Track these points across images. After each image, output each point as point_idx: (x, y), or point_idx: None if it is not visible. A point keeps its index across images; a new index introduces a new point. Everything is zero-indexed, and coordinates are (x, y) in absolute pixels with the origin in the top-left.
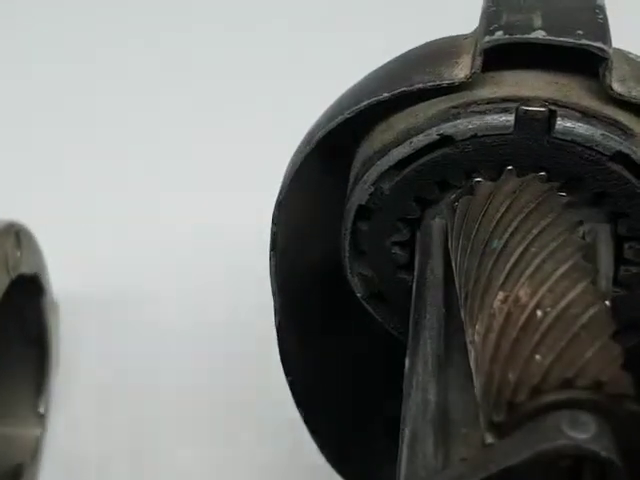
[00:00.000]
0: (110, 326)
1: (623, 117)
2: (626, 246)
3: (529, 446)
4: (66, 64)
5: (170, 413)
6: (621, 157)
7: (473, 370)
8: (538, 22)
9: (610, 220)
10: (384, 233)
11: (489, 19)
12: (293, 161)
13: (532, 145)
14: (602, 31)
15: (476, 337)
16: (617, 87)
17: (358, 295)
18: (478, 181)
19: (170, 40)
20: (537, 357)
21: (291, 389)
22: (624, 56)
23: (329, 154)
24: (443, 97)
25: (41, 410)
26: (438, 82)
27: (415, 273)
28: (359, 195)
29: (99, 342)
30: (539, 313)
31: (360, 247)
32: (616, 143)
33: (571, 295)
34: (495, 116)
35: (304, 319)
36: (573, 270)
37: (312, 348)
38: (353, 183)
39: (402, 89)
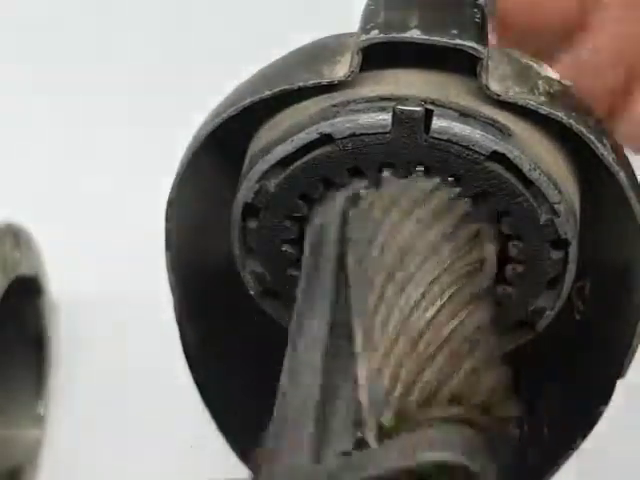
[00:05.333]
0: (110, 327)
1: (501, 117)
2: (510, 245)
3: (405, 456)
4: None
5: (171, 414)
6: (499, 157)
7: (361, 367)
8: (414, 21)
9: (494, 219)
10: (273, 231)
11: (367, 17)
12: (182, 158)
13: (410, 144)
14: (478, 30)
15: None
16: (494, 86)
17: (251, 292)
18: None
19: None
20: (428, 372)
21: (197, 385)
22: (507, 55)
23: (222, 152)
24: (326, 95)
25: (40, 411)
26: (318, 80)
27: (302, 270)
28: (245, 193)
29: (99, 343)
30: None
31: (251, 245)
32: (493, 143)
33: (461, 316)
34: (372, 115)
35: (205, 315)
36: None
37: (216, 344)
38: (240, 181)
39: (283, 87)
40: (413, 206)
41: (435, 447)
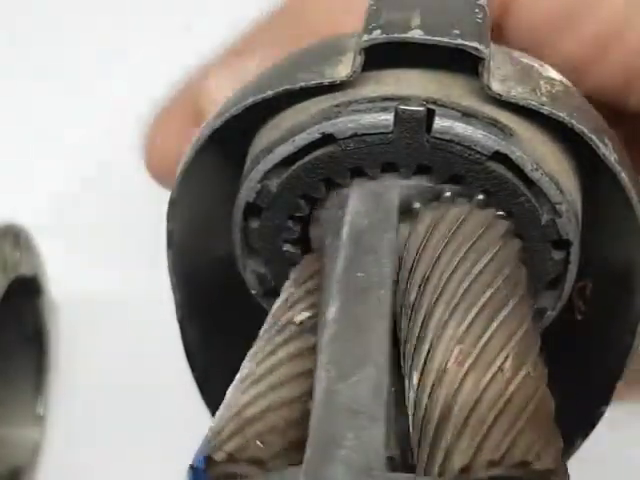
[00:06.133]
0: (110, 327)
1: (503, 117)
2: None
3: None
4: None
5: (171, 413)
6: (500, 157)
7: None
8: (416, 21)
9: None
10: (274, 231)
11: (369, 17)
12: (184, 158)
13: (413, 144)
14: (480, 31)
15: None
16: (496, 87)
17: (252, 292)
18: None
19: None
20: (463, 441)
21: (198, 386)
22: (509, 56)
23: (224, 152)
24: (328, 95)
25: (40, 411)
26: (320, 80)
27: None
28: (246, 192)
29: (98, 343)
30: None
31: (252, 245)
32: (495, 143)
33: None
34: (375, 115)
35: (206, 315)
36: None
37: (216, 344)
38: (242, 180)
39: (285, 87)
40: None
41: None
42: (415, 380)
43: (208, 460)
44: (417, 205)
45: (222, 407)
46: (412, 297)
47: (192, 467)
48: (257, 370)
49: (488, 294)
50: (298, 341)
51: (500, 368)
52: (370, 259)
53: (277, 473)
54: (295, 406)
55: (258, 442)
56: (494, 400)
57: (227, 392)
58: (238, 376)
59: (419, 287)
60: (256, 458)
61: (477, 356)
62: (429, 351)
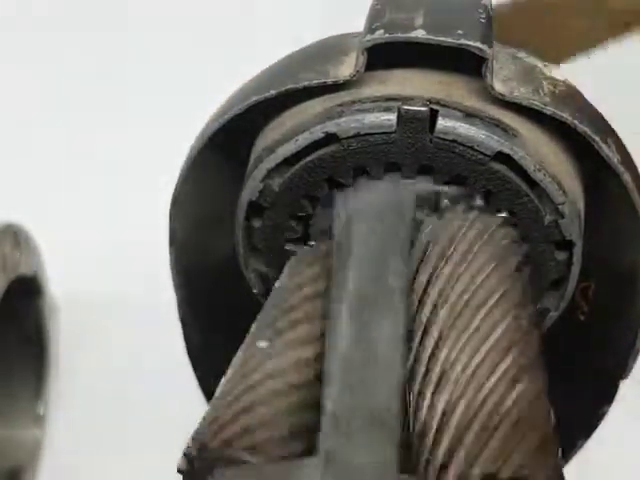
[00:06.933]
0: (110, 327)
1: (506, 117)
2: None
3: None
4: None
5: (172, 413)
6: (503, 157)
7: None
8: (419, 21)
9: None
10: (277, 230)
11: (372, 17)
12: (187, 157)
13: (415, 144)
14: (483, 31)
15: None
16: (499, 87)
17: (254, 291)
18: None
19: None
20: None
21: (200, 385)
22: (512, 56)
23: (227, 150)
24: (331, 95)
25: (40, 411)
26: (323, 80)
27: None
28: (249, 191)
29: (98, 343)
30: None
31: (254, 244)
32: (497, 143)
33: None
34: (377, 115)
35: (208, 314)
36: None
37: (218, 343)
38: (245, 180)
39: (288, 87)
40: (474, 247)
41: None
42: (416, 389)
43: (202, 446)
44: (419, 214)
45: (217, 395)
46: (413, 310)
47: (185, 454)
48: (257, 355)
49: (484, 312)
50: (303, 327)
51: (498, 382)
52: (380, 272)
53: (291, 464)
54: (297, 393)
55: (257, 430)
56: (490, 414)
57: (222, 381)
58: (236, 362)
59: (420, 302)
60: (254, 445)
61: (475, 370)
62: (428, 365)
